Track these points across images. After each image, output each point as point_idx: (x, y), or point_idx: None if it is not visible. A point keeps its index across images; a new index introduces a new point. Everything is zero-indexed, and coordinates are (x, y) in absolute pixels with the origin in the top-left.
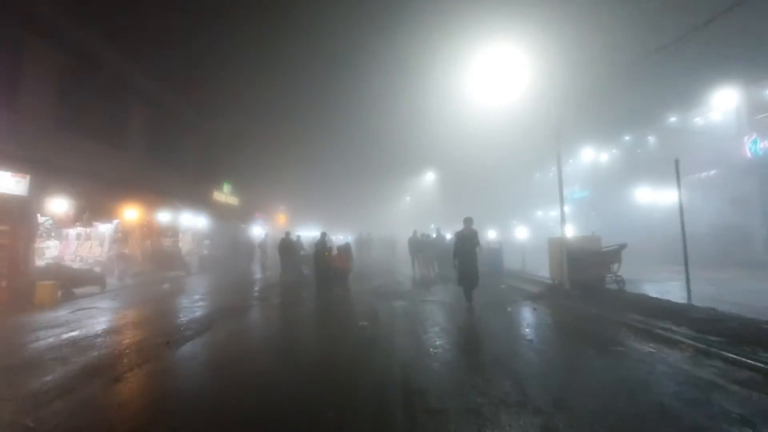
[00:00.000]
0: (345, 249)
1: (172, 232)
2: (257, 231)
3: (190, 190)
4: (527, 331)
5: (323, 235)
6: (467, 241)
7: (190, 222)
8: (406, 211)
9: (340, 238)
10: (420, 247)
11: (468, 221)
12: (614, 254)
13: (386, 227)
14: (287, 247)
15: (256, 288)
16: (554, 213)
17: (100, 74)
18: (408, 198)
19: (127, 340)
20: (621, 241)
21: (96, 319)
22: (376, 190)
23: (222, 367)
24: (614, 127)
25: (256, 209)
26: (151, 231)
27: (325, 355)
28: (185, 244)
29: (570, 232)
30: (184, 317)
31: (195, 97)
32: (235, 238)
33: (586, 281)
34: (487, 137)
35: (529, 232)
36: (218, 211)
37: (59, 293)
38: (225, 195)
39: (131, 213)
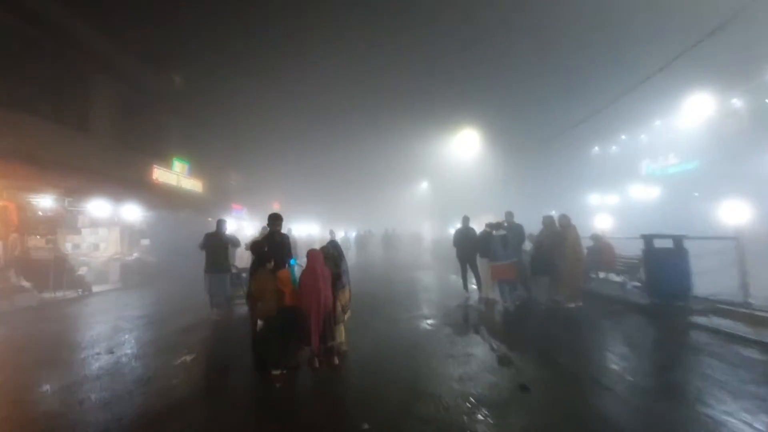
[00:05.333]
0: (316, 259)
1: (51, 226)
2: (230, 228)
3: (105, 161)
4: None
5: (272, 220)
6: None
7: (107, 212)
8: (422, 201)
9: (340, 235)
10: (479, 246)
11: None
12: None
13: (397, 222)
14: (218, 249)
15: (130, 348)
16: (614, 198)
17: None
18: (425, 184)
19: None
20: None
21: None
22: (386, 175)
23: None
24: (744, 61)
25: (231, 199)
26: (6, 224)
27: None
28: (110, 245)
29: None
30: None
31: (117, 24)
32: (208, 238)
33: None
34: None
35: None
36: (164, 198)
37: None
38: (177, 175)
39: None
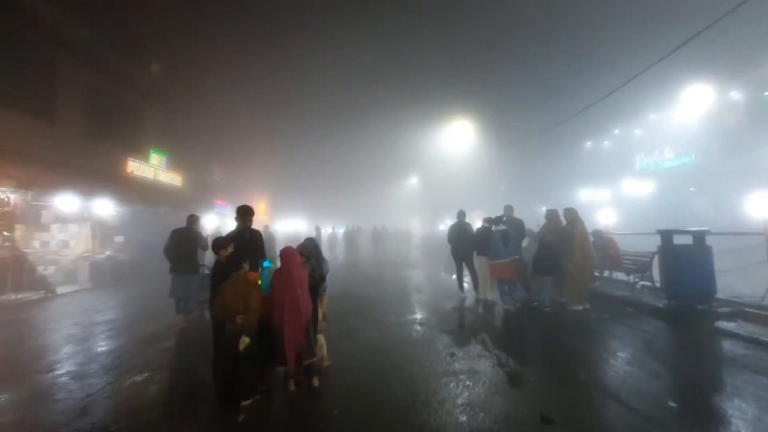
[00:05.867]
0: (292, 259)
1: (9, 221)
2: (213, 224)
3: (73, 152)
4: None
5: (241, 214)
6: None
7: (75, 207)
8: (412, 197)
9: (328, 231)
10: (476, 243)
11: None
12: None
13: (386, 218)
14: (187, 246)
15: (75, 365)
16: (606, 194)
17: None
18: (415, 179)
19: None
20: None
21: None
22: (375, 171)
23: None
24: (743, 52)
25: (214, 194)
26: None
27: None
28: (80, 243)
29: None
30: None
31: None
32: (175, 234)
33: None
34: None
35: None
36: (139, 192)
37: None
38: (154, 169)
39: None
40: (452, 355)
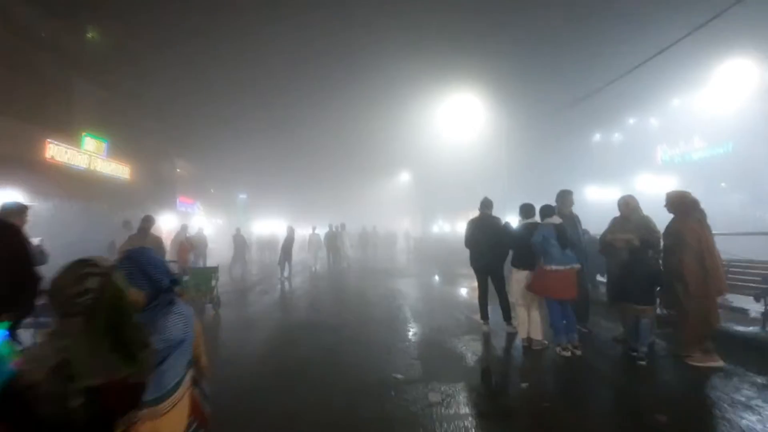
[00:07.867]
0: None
1: None
2: (169, 224)
3: None
4: None
5: None
6: None
7: None
8: (403, 195)
9: (308, 231)
10: (512, 247)
11: None
12: None
13: (375, 218)
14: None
15: None
16: (614, 192)
17: None
18: (406, 175)
19: None
20: None
21: None
22: (363, 166)
23: None
24: None
25: (177, 190)
26: None
27: None
28: None
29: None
30: None
31: None
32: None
33: None
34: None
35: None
36: (64, 183)
37: None
38: (88, 156)
39: None
40: None
